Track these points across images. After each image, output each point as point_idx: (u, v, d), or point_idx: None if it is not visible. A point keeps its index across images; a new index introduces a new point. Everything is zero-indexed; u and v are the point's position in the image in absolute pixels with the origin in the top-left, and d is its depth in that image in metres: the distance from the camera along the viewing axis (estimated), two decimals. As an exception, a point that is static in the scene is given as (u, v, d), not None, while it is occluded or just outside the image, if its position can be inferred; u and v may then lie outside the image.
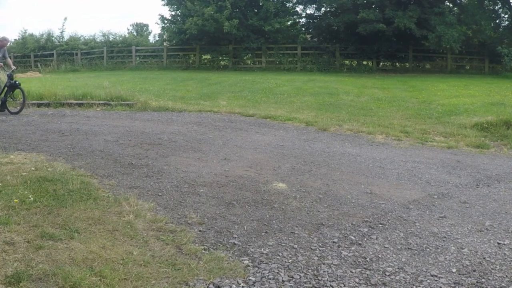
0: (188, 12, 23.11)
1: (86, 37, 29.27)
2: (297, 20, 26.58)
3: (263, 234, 3.57)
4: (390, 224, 3.86)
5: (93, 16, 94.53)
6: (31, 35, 29.49)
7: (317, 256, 3.22)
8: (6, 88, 9.87)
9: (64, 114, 9.45)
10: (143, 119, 8.98)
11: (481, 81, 16.99)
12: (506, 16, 23.38)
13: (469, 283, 2.92)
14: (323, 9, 25.39)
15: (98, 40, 28.73)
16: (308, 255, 3.24)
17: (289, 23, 25.98)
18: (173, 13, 25.34)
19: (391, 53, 23.19)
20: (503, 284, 2.92)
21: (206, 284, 2.80)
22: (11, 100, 10.02)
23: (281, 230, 3.66)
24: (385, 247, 3.41)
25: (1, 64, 9.94)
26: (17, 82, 9.92)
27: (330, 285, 2.85)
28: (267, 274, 2.95)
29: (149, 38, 39.03)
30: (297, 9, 26.13)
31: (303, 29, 26.69)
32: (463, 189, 4.92)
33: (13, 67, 10.28)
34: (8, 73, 10.01)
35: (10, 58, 10.64)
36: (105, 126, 7.94)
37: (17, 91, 10.00)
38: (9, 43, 11.38)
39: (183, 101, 11.54)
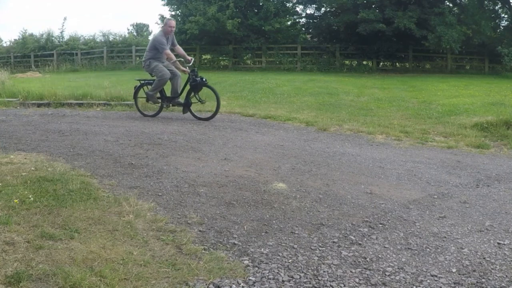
0: (188, 12, 23.13)
1: (86, 37, 29.39)
2: (297, 20, 26.64)
3: (263, 234, 3.57)
4: (390, 224, 3.86)
5: (93, 16, 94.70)
6: (31, 35, 29.58)
7: (317, 256, 3.22)
8: (188, 87, 8.29)
9: (64, 114, 9.44)
10: (143, 119, 8.98)
11: (481, 81, 16.99)
12: (506, 16, 23.38)
13: (469, 283, 2.92)
14: (323, 9, 25.46)
15: (98, 40, 28.81)
16: (308, 255, 3.23)
17: (289, 23, 26.04)
18: (173, 13, 25.39)
19: (391, 53, 23.23)
20: (503, 284, 2.92)
21: (206, 284, 2.80)
22: (198, 102, 8.50)
23: (281, 230, 3.66)
24: (385, 247, 3.41)
25: (175, 59, 8.25)
26: (204, 79, 8.17)
27: (330, 285, 2.85)
28: (267, 274, 2.95)
29: (149, 38, 39.07)
30: (297, 9, 26.23)
31: (303, 29, 26.75)
32: (463, 189, 4.92)
33: (189, 58, 8.34)
34: (191, 68, 8.25)
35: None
36: (105, 126, 7.94)
37: (205, 90, 8.32)
38: (174, 29, 8.49)
39: (183, 101, 11.52)
